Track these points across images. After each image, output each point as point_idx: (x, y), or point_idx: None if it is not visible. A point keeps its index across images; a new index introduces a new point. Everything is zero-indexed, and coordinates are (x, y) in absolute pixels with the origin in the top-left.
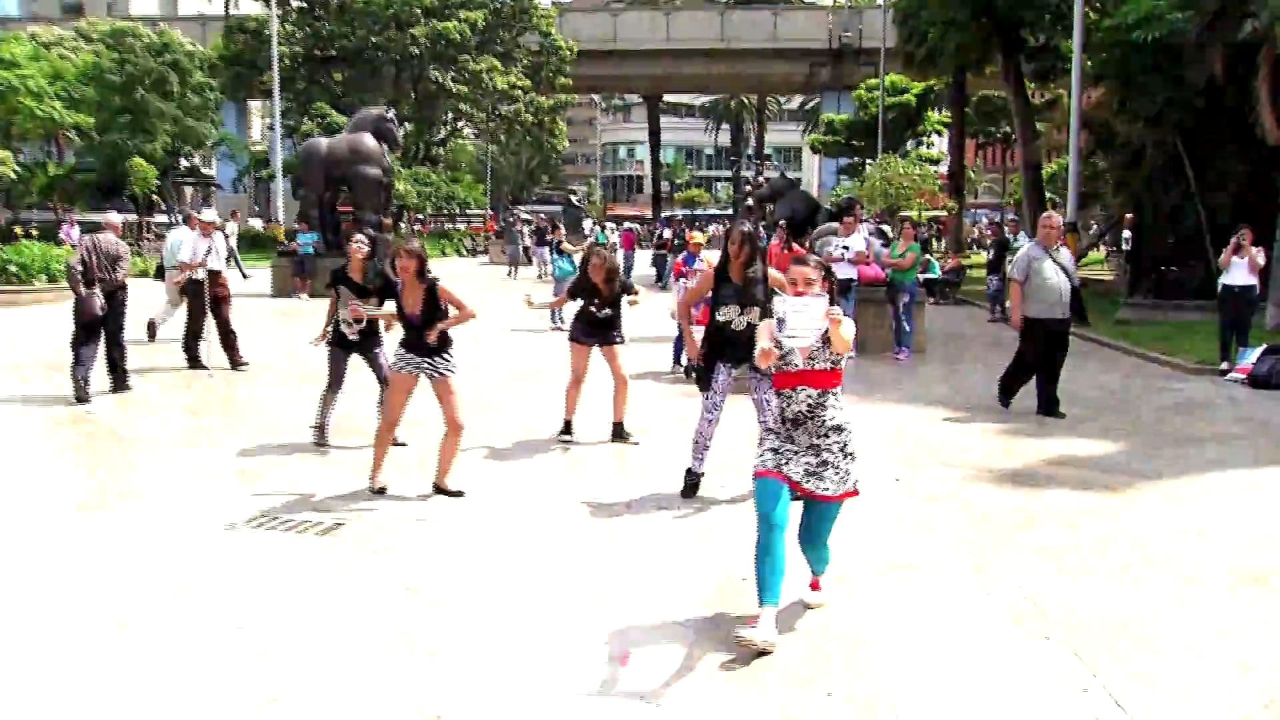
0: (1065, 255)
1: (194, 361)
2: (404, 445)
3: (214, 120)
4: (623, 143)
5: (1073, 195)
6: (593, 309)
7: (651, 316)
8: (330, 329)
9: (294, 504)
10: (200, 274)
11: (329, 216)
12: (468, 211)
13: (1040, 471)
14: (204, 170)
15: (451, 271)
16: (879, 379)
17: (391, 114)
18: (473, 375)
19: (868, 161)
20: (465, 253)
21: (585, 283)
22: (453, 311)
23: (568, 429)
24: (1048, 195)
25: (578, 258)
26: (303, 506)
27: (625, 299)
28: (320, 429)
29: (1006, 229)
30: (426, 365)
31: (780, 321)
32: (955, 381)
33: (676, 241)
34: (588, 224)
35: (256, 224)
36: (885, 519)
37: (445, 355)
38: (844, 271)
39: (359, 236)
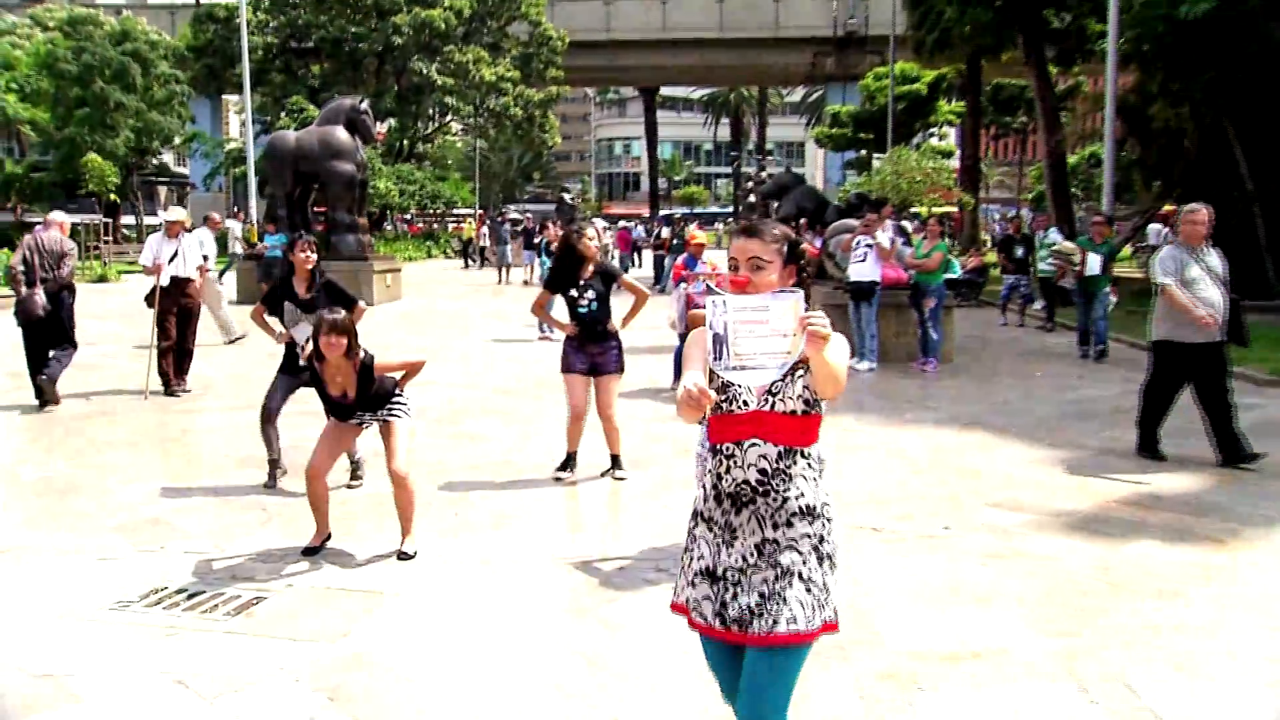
0: (1216, 258)
1: (166, 382)
2: (358, 483)
3: (181, 114)
4: (618, 138)
5: (1108, 185)
6: (574, 293)
7: (649, 324)
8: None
9: (210, 568)
10: (164, 280)
11: (299, 216)
12: (455, 211)
13: (1120, 515)
14: (175, 169)
15: (432, 276)
16: (904, 394)
17: (366, 105)
18: (450, 397)
19: (876, 155)
20: (452, 254)
21: (566, 263)
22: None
23: (569, 463)
24: (1071, 189)
25: None
26: (220, 572)
27: (617, 285)
28: (273, 465)
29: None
30: (373, 418)
31: (718, 341)
32: (993, 397)
33: (676, 241)
34: (599, 223)
35: (235, 225)
36: (938, 585)
37: (393, 405)
38: (866, 274)
39: (305, 238)
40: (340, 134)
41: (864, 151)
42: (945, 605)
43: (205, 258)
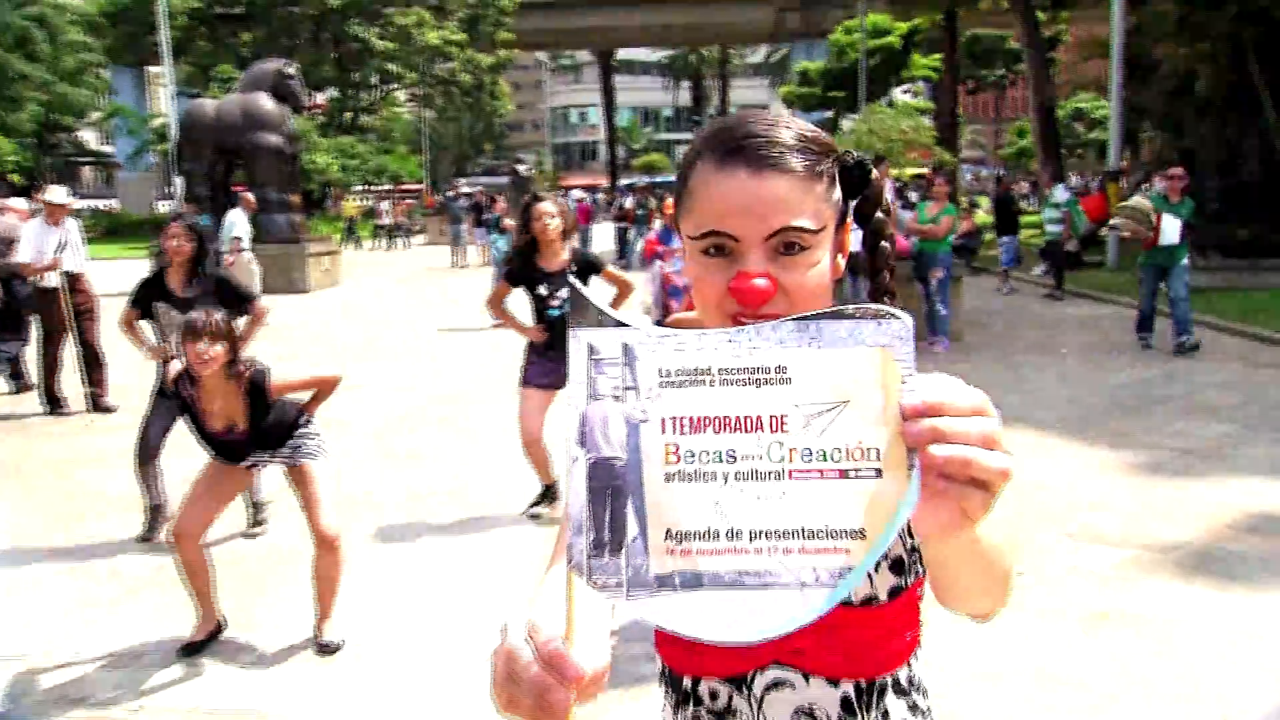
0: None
1: (55, 404)
2: (259, 530)
3: (97, 87)
4: (573, 106)
5: (1115, 135)
6: (542, 290)
7: (620, 307)
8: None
9: (32, 685)
10: (53, 279)
11: (223, 195)
12: (403, 187)
13: (1244, 549)
14: (99, 147)
15: (377, 259)
16: None
17: (293, 69)
18: (387, 404)
19: (847, 115)
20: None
21: (526, 249)
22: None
23: (547, 494)
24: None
25: None
26: (43, 694)
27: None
28: (154, 512)
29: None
30: (270, 459)
31: (603, 490)
32: (1021, 383)
33: (639, 212)
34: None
35: (166, 208)
36: (1028, 669)
37: (301, 440)
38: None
39: (174, 227)
40: (265, 102)
41: (833, 112)
42: (1047, 705)
43: (238, 239)
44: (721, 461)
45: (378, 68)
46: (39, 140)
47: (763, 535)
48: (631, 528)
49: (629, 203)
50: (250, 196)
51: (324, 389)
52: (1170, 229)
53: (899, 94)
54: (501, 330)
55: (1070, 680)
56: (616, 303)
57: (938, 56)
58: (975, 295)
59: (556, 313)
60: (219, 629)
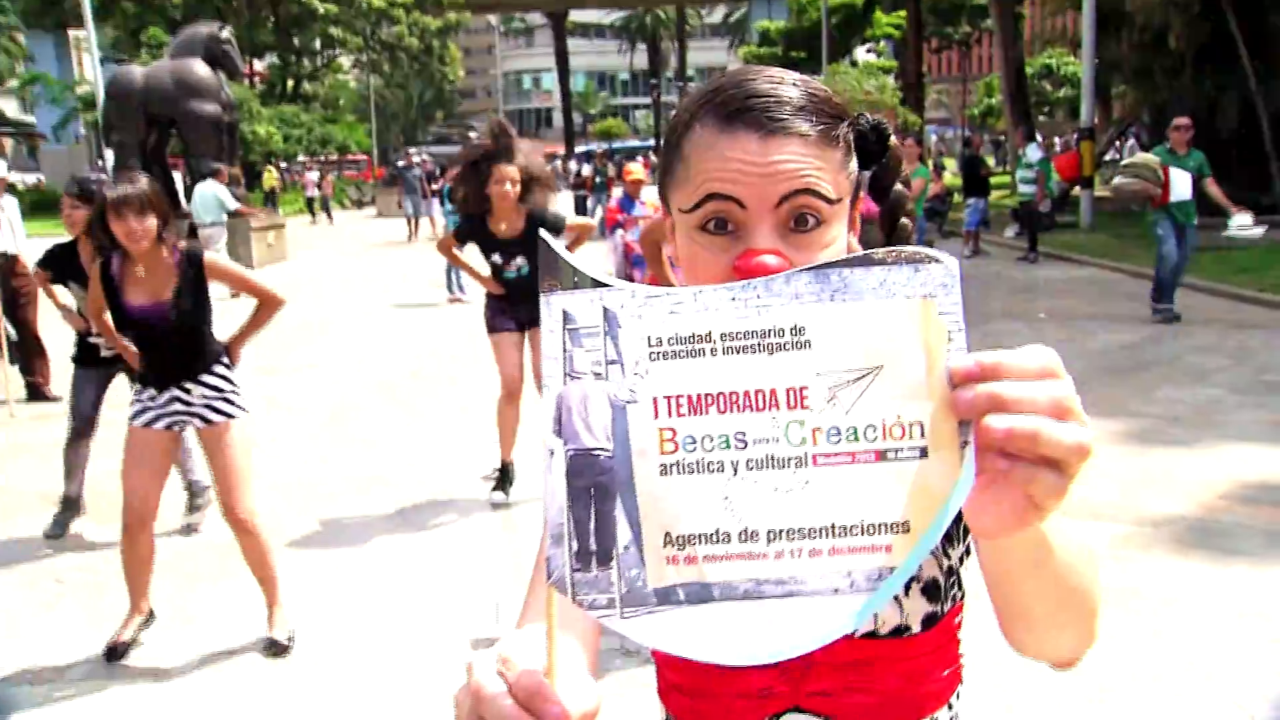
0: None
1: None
2: (197, 517)
3: (11, 51)
4: (526, 70)
5: (1088, 92)
6: (496, 258)
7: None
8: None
9: None
10: None
11: (157, 168)
12: (350, 157)
13: (1241, 521)
14: (19, 117)
15: (325, 231)
16: None
17: (228, 32)
18: (336, 385)
19: (811, 75)
20: (350, 204)
21: (476, 208)
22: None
23: (504, 477)
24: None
25: None
26: None
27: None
28: (66, 505)
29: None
30: (186, 410)
31: (586, 488)
32: (994, 345)
33: (598, 180)
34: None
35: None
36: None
37: (218, 385)
38: None
39: (67, 198)
40: (198, 68)
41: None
42: (1040, 694)
43: (230, 213)
44: (730, 448)
45: (320, 31)
46: None
47: (784, 535)
48: (623, 533)
49: (587, 170)
50: (222, 168)
51: (264, 307)
52: (1181, 183)
53: (862, 53)
54: (457, 305)
55: (1084, 671)
56: (573, 247)
57: (901, 14)
58: None
59: (512, 276)
60: (149, 621)
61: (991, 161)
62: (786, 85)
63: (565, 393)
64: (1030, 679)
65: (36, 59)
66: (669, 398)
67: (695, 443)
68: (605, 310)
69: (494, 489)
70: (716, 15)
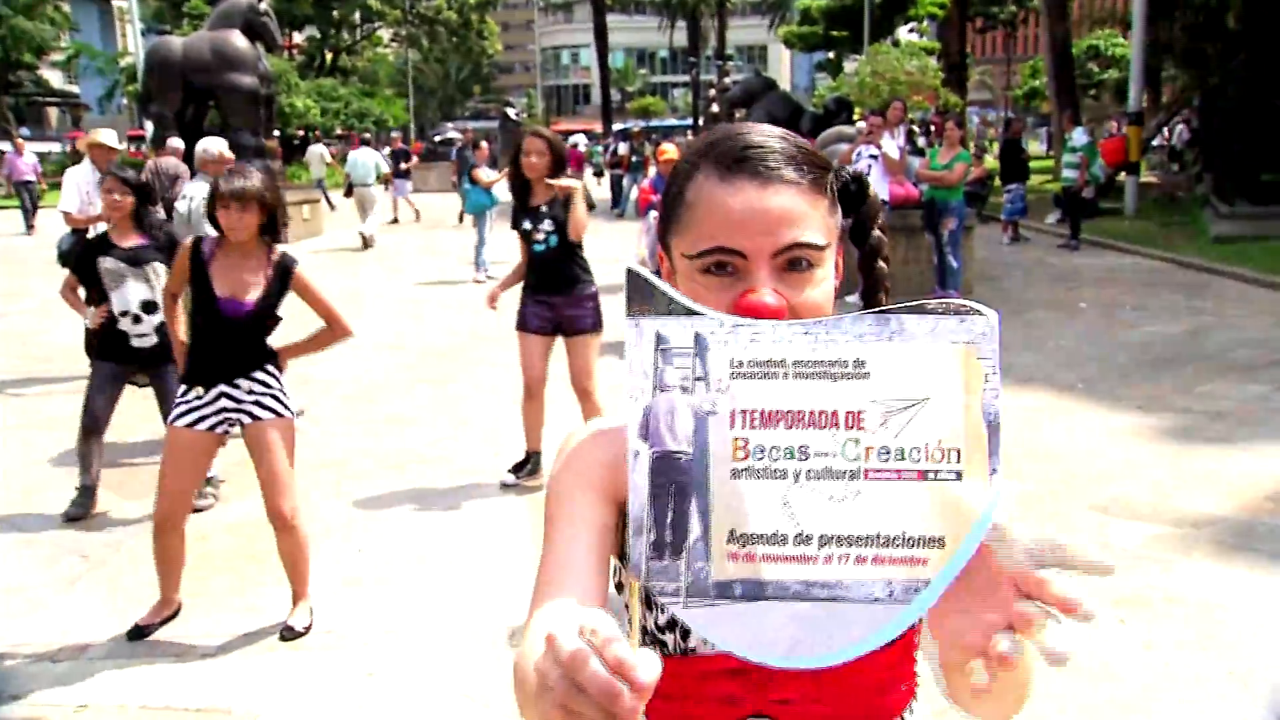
0: None
1: None
2: (207, 503)
3: (57, 21)
4: (565, 47)
5: (1137, 74)
6: (527, 226)
7: (610, 256)
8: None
9: None
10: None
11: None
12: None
13: None
14: (63, 87)
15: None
16: None
17: (266, 4)
18: (365, 363)
19: (850, 56)
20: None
21: (521, 187)
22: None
23: (528, 463)
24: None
25: (501, 189)
26: None
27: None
28: (83, 492)
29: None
30: (235, 407)
31: (665, 490)
32: (1039, 340)
33: (635, 159)
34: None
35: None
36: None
37: (267, 381)
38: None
39: (112, 178)
40: (237, 40)
41: (834, 53)
42: (1080, 703)
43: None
44: (793, 458)
45: (359, 4)
46: None
47: (834, 541)
48: (694, 529)
49: (623, 149)
50: (381, 137)
51: (330, 333)
52: None
53: (904, 33)
54: (489, 285)
55: (1104, 674)
56: (566, 206)
57: None
58: (985, 246)
59: (541, 248)
60: (175, 614)
61: (1036, 145)
62: (776, 139)
63: (654, 403)
64: (1060, 685)
65: (81, 29)
66: (744, 411)
67: (764, 452)
68: (697, 335)
69: (513, 470)
70: None
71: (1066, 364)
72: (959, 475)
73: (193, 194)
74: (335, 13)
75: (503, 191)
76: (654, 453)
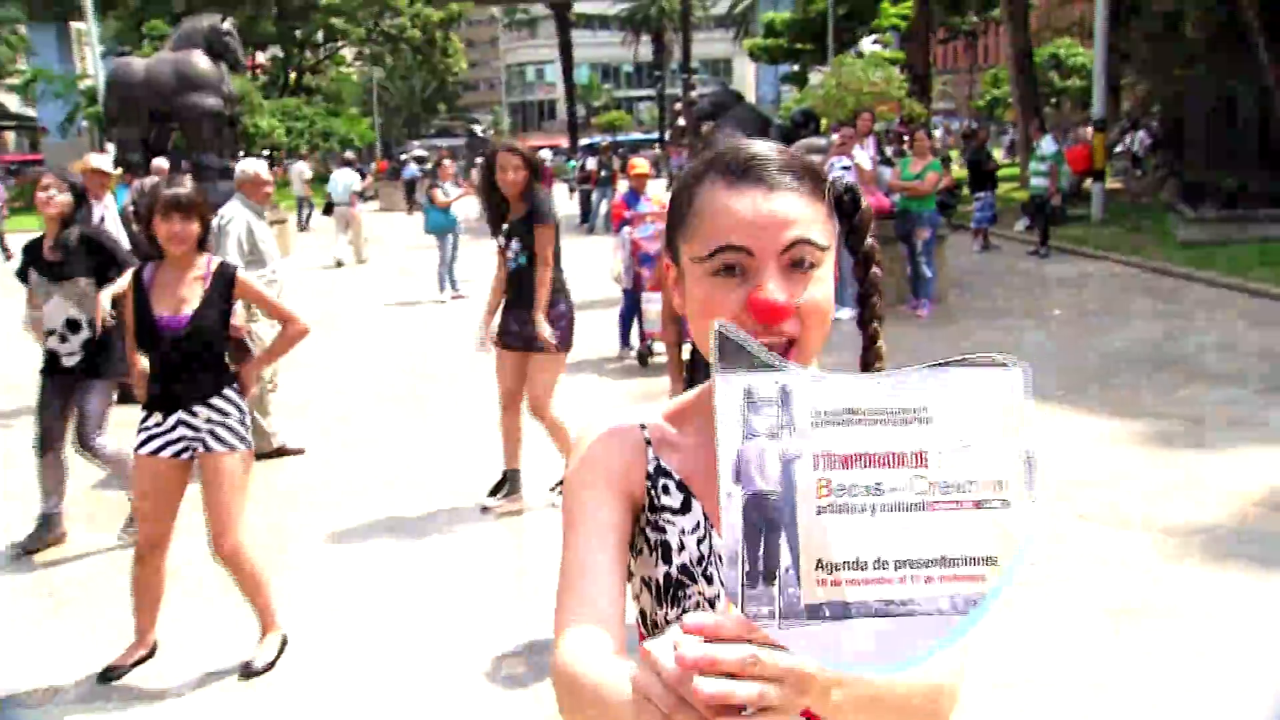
0: None
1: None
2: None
3: (12, 44)
4: (530, 63)
5: (1100, 81)
6: (500, 241)
7: (587, 275)
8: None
9: None
10: None
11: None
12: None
13: (1275, 528)
14: (19, 111)
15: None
16: (901, 347)
17: (229, 24)
18: (338, 384)
19: (815, 68)
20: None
21: (490, 199)
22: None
23: (505, 484)
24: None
25: (460, 208)
26: None
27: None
28: (42, 524)
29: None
30: (193, 435)
31: (752, 531)
32: (1012, 347)
33: (603, 173)
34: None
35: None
36: (1041, 672)
37: (225, 409)
38: None
39: (53, 174)
40: (200, 61)
41: (799, 66)
42: (1075, 715)
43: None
44: (869, 494)
45: (322, 23)
46: None
47: (907, 564)
48: (784, 559)
49: (591, 164)
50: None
51: (287, 335)
52: None
53: (867, 44)
54: (459, 301)
55: (1100, 685)
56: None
57: (908, 4)
58: (957, 254)
59: (513, 265)
60: (151, 653)
61: (999, 154)
62: (776, 151)
63: (744, 449)
64: (1057, 697)
65: (38, 51)
66: (826, 454)
67: (844, 490)
68: (783, 388)
69: (490, 493)
70: (721, 7)
71: (1042, 370)
72: (1006, 503)
73: (231, 215)
74: (298, 32)
75: (463, 209)
76: (746, 494)
